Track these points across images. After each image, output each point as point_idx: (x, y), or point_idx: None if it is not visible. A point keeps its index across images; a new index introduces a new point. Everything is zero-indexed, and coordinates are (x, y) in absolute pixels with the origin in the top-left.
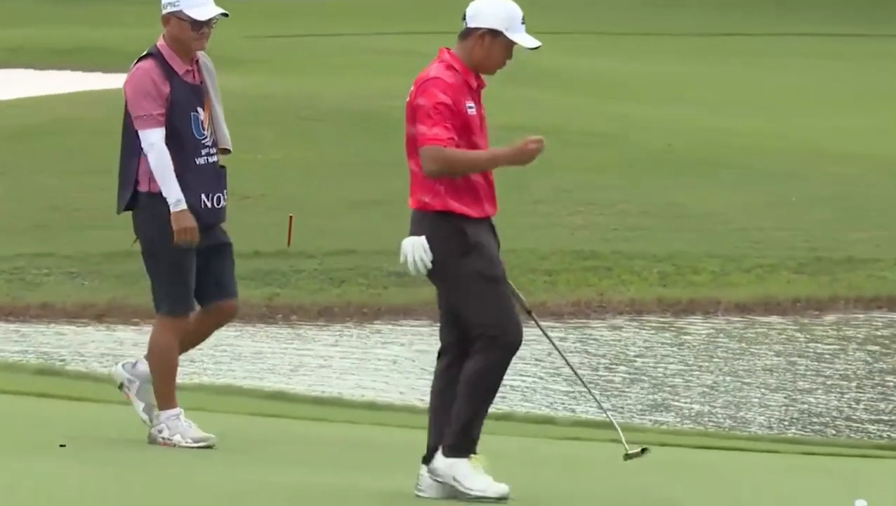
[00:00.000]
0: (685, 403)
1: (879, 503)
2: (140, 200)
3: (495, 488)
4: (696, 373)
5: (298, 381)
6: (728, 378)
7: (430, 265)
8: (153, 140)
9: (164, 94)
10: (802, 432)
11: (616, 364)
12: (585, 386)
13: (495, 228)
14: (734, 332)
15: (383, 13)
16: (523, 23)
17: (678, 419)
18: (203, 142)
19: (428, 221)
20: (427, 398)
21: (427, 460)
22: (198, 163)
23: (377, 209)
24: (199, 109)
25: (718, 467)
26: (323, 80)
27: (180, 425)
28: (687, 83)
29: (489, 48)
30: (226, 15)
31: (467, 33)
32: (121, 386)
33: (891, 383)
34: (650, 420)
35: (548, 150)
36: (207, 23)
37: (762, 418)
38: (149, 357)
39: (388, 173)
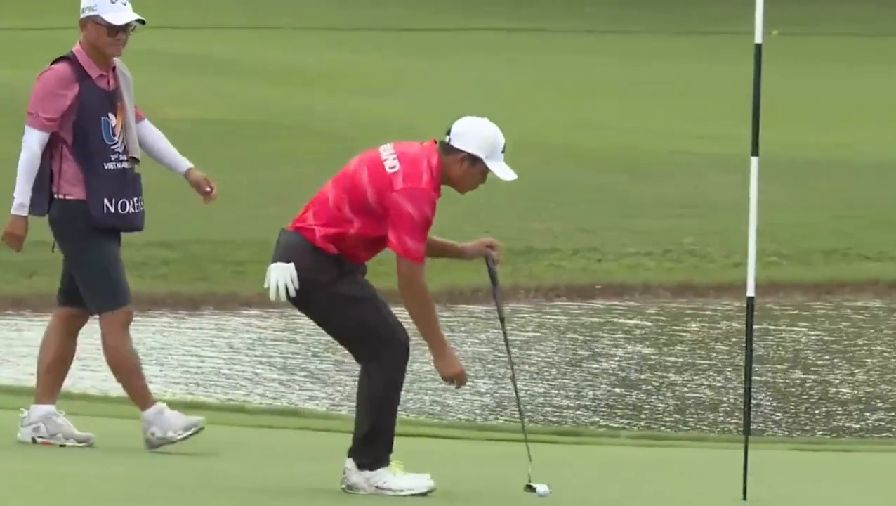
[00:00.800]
0: None
1: (566, 487)
2: (54, 207)
3: (421, 482)
4: None
5: (8, 371)
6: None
7: (293, 293)
8: (31, 141)
9: (69, 97)
10: (508, 419)
11: (322, 352)
12: (519, 403)
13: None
14: None
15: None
16: (503, 151)
17: None
18: (112, 147)
19: (309, 252)
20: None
21: None
22: (106, 167)
23: None
24: (111, 115)
25: (418, 453)
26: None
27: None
28: (376, 76)
29: (467, 171)
30: (142, 21)
31: (449, 150)
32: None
33: (594, 370)
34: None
35: (240, 141)
36: (124, 28)
37: (467, 405)
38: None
39: None
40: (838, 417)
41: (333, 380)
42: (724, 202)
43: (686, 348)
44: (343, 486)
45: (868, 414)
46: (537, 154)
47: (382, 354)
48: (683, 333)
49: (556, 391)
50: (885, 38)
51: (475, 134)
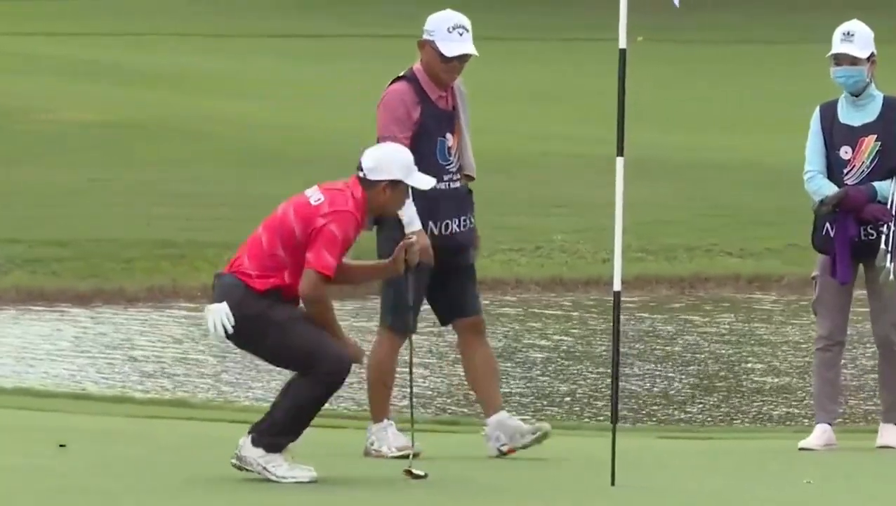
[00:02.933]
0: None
1: (443, 473)
2: (381, 222)
3: (304, 473)
4: None
5: None
6: None
7: (230, 330)
8: None
9: (414, 118)
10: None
11: (213, 346)
12: (411, 392)
13: None
14: None
15: None
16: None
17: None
18: (447, 167)
19: (243, 289)
20: (25, 383)
21: None
22: (437, 188)
23: None
24: (448, 135)
25: (307, 444)
26: None
27: (388, 437)
28: (256, 81)
29: (391, 196)
30: (475, 55)
31: (370, 184)
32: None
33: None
34: (241, 396)
35: (132, 143)
36: (458, 58)
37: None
38: (367, 368)
39: None
40: (742, 406)
41: (218, 370)
42: (593, 201)
43: (560, 340)
44: (233, 459)
45: (761, 403)
46: None
47: (322, 367)
48: (559, 325)
49: (441, 381)
50: (743, 45)
51: (388, 162)
